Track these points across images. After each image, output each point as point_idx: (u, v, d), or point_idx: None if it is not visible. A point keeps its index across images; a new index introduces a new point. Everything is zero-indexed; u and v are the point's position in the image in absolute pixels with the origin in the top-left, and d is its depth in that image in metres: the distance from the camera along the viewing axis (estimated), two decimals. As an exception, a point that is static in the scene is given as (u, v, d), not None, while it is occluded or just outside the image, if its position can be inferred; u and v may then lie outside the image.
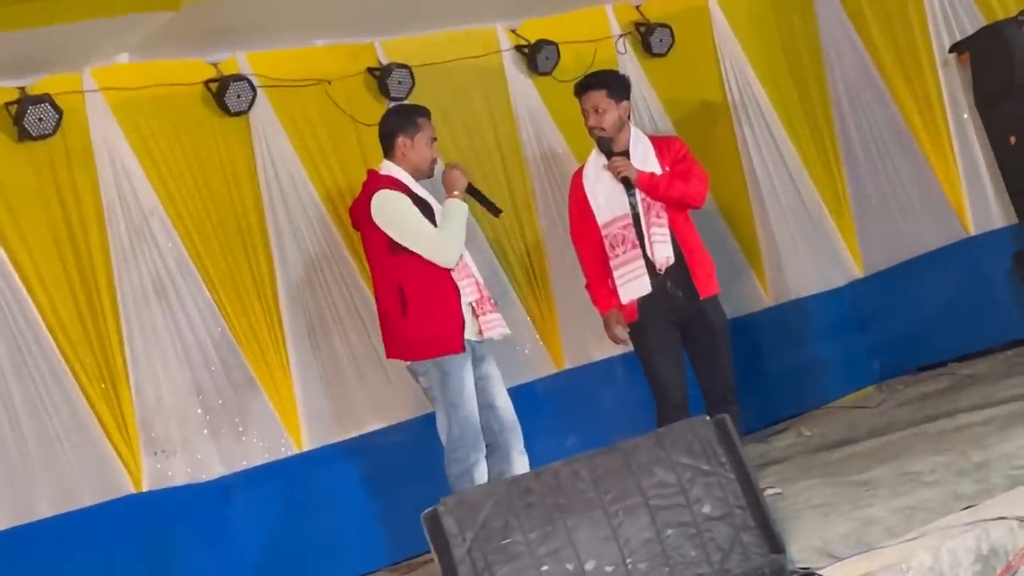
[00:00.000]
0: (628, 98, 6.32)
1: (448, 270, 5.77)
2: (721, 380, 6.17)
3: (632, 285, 6.12)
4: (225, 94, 6.83)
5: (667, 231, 6.10)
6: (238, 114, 6.90)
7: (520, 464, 5.89)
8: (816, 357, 8.55)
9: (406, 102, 6.57)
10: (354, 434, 7.00)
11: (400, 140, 5.91)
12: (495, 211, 6.14)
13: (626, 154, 6.22)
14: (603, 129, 6.19)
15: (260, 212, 6.98)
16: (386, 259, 5.83)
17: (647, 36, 8.37)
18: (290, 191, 7.05)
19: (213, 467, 6.59)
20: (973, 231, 8.29)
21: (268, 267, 6.95)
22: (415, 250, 5.74)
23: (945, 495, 4.74)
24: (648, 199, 6.11)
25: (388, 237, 5.78)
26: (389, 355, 6.01)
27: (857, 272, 9.02)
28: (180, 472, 6.51)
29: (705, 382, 6.22)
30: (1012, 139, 7.44)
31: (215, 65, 6.92)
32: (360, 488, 6.95)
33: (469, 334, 5.80)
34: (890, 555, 3.98)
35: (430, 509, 4.14)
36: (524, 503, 4.09)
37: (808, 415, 8.33)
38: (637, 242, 6.09)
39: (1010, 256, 7.54)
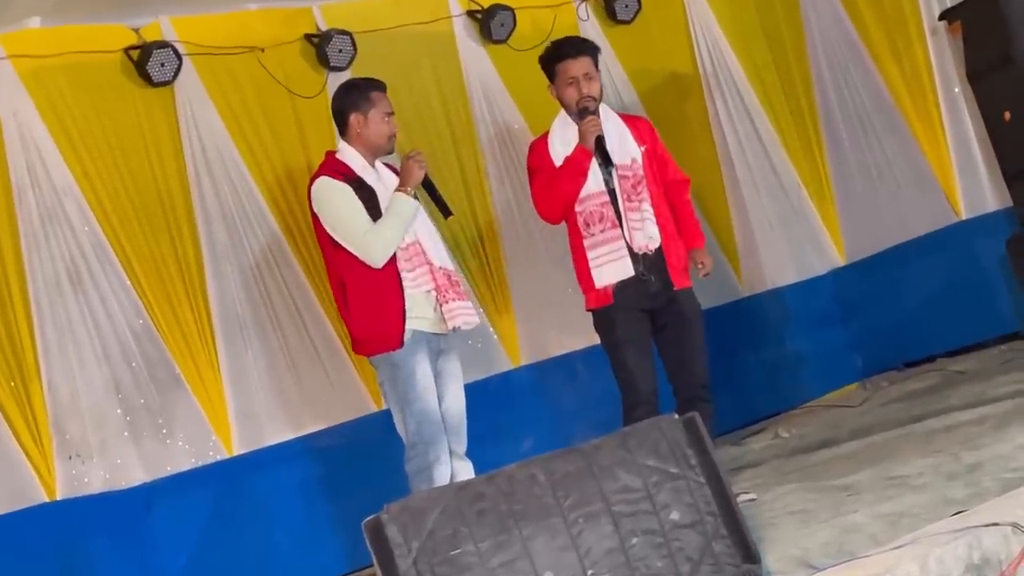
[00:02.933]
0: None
1: (392, 261, 5.77)
2: (694, 375, 6.14)
3: (610, 268, 6.07)
4: (147, 62, 6.79)
5: (651, 210, 6.11)
6: (161, 84, 6.87)
7: (461, 471, 5.89)
8: (794, 352, 8.60)
9: (358, 76, 6.53)
10: (290, 437, 6.98)
11: (353, 118, 5.93)
12: (446, 212, 6.12)
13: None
14: (594, 98, 6.19)
15: (186, 192, 6.95)
16: (330, 251, 5.90)
17: (611, 1, 8.37)
18: (219, 169, 7.02)
19: (134, 473, 6.55)
20: (964, 215, 8.35)
21: (195, 253, 6.91)
22: (343, 244, 5.79)
23: (934, 500, 4.76)
24: (629, 175, 6.11)
25: None
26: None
27: (839, 260, 9.07)
28: (97, 478, 6.46)
29: (676, 377, 6.18)
30: (1007, 115, 7.47)
31: (136, 31, 6.90)
32: (296, 496, 6.93)
33: (424, 326, 5.80)
34: (874, 564, 3.99)
35: (372, 517, 4.11)
36: (475, 510, 4.07)
37: (786, 415, 8.37)
38: (617, 221, 6.08)
39: (1004, 242, 7.57)
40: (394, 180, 5.95)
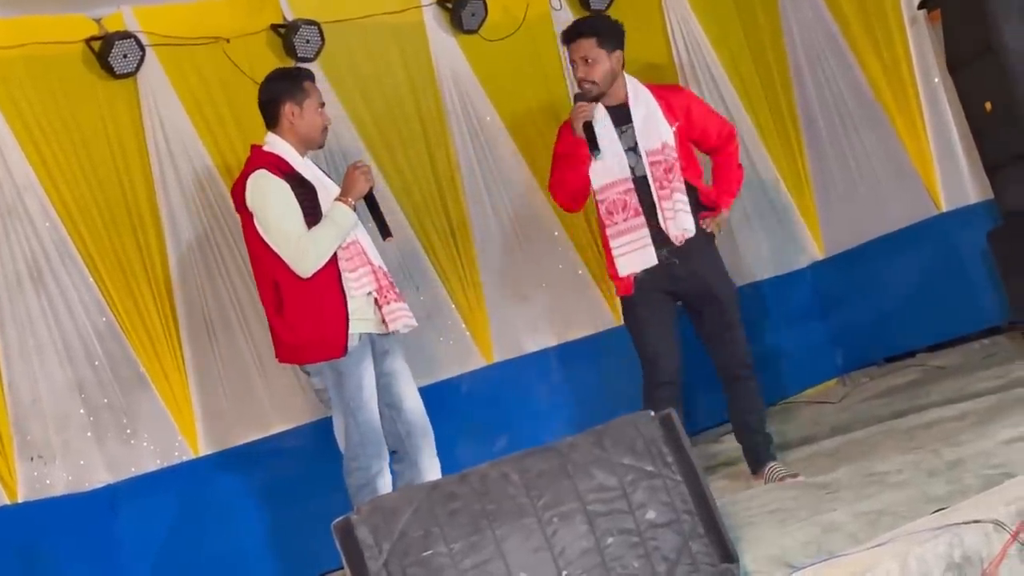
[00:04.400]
0: (622, 47, 6.27)
1: (334, 261, 5.68)
2: (734, 355, 6.25)
3: (634, 256, 6.14)
4: (109, 54, 6.78)
5: (685, 199, 6.13)
6: (124, 76, 6.86)
7: (431, 471, 5.86)
8: (773, 347, 8.60)
9: (288, 66, 6.48)
10: (257, 437, 6.97)
11: (287, 108, 5.82)
12: (385, 232, 5.95)
13: (624, 108, 6.21)
14: (594, 82, 6.17)
15: (150, 187, 6.94)
16: (262, 250, 5.74)
17: (585, -11, 8.37)
18: (184, 163, 7.00)
19: (97, 474, 6.54)
20: (945, 207, 8.35)
21: (159, 249, 6.90)
22: (274, 248, 5.66)
23: (914, 497, 4.77)
24: (660, 160, 6.12)
25: None
26: (277, 357, 5.93)
27: (818, 253, 9.09)
28: (60, 480, 6.44)
29: (717, 358, 6.29)
30: (988, 106, 7.47)
31: (98, 21, 6.87)
32: (263, 497, 6.91)
33: (368, 327, 5.74)
34: (853, 564, 4.00)
35: (342, 518, 4.10)
36: (447, 510, 4.06)
37: (765, 411, 8.38)
38: (640, 209, 6.11)
39: (985, 235, 7.59)
40: (325, 178, 5.89)
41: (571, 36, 6.27)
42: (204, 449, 6.83)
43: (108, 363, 6.66)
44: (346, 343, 5.64)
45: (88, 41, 6.82)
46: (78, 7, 6.79)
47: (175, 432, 6.78)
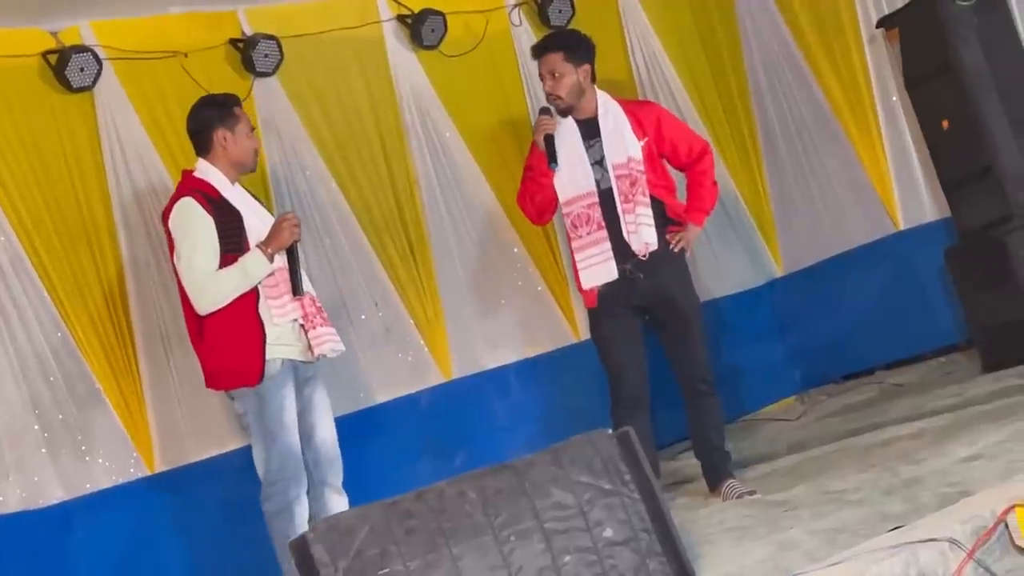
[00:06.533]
0: (591, 61, 6.34)
1: (254, 290, 5.64)
2: (694, 369, 6.29)
3: (596, 270, 6.21)
4: (66, 67, 6.74)
5: (651, 212, 6.16)
6: (81, 90, 6.82)
7: (336, 504, 5.80)
8: (731, 365, 8.62)
9: (215, 93, 6.46)
10: (214, 453, 6.93)
11: (219, 134, 5.80)
12: (295, 290, 5.78)
13: (593, 122, 6.26)
14: (559, 97, 6.24)
15: (106, 202, 6.90)
16: None
17: (544, 6, 8.38)
18: (141, 178, 6.96)
19: (52, 491, 6.49)
20: (903, 225, 8.41)
21: (116, 264, 6.86)
22: (179, 276, 5.66)
23: (871, 515, 4.80)
24: (625, 174, 6.15)
25: None
26: (205, 384, 5.90)
27: (776, 271, 9.13)
28: (14, 497, 6.38)
29: (679, 372, 6.34)
30: (945, 124, 7.55)
31: (54, 34, 6.83)
32: (221, 515, 6.86)
33: (291, 354, 5.71)
34: (810, 582, 4.03)
35: (298, 536, 4.11)
36: (404, 528, 4.07)
37: (724, 428, 8.40)
38: (603, 223, 6.15)
39: (943, 252, 7.65)
40: (257, 205, 5.88)
41: (539, 51, 6.36)
42: (160, 466, 6.79)
43: (63, 379, 6.61)
44: (262, 371, 5.61)
45: (45, 55, 6.78)
46: (35, 20, 6.75)
47: (131, 449, 6.74)
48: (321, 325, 5.79)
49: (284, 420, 5.65)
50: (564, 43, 6.34)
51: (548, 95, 6.28)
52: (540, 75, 6.34)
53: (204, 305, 5.63)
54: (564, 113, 6.27)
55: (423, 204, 7.90)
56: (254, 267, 5.63)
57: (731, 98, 9.13)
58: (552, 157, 6.15)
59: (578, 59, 6.27)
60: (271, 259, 5.66)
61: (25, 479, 6.42)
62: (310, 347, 5.75)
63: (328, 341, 5.79)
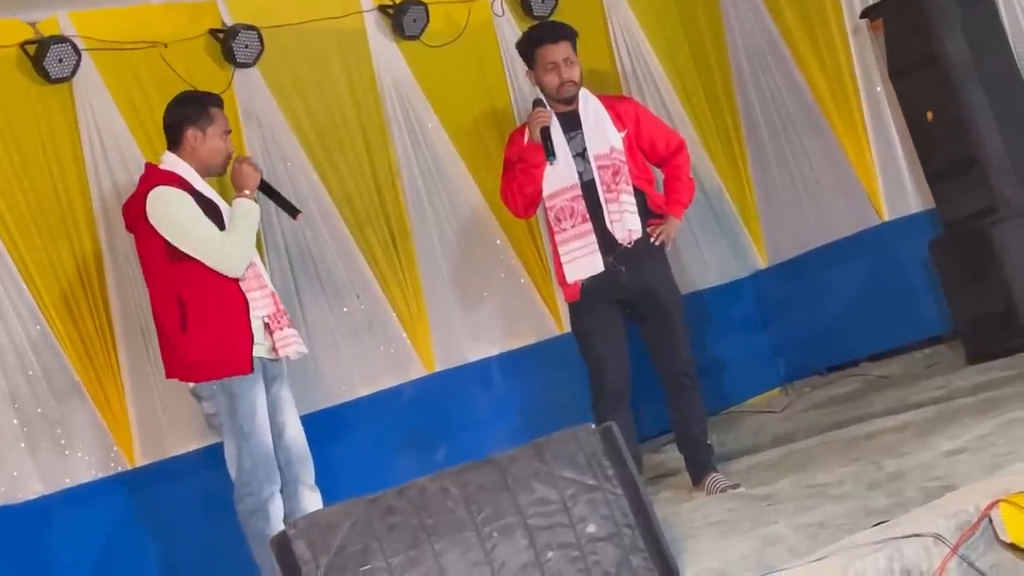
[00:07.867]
0: None
1: (236, 280, 5.64)
2: (676, 363, 6.29)
3: (581, 263, 6.19)
4: (44, 58, 6.72)
5: (632, 200, 6.17)
6: (59, 81, 6.80)
7: (310, 502, 5.79)
8: (715, 357, 8.64)
9: (194, 89, 6.43)
10: (195, 447, 6.91)
11: (190, 132, 5.76)
12: (293, 212, 5.98)
13: (574, 115, 6.26)
14: (576, 83, 6.26)
15: (86, 194, 6.88)
16: (164, 266, 5.64)
17: (527, -4, 8.37)
18: (120, 170, 6.94)
19: (31, 485, 6.48)
20: (887, 216, 8.42)
21: (95, 257, 6.84)
22: (197, 257, 5.58)
23: (855, 510, 4.79)
24: (608, 164, 6.16)
25: (166, 241, 5.59)
26: (167, 374, 5.83)
27: (760, 262, 9.14)
28: (-8, 492, 6.38)
29: (660, 365, 6.34)
30: (929, 115, 7.56)
31: (33, 25, 6.81)
32: (201, 509, 6.85)
33: (260, 352, 5.68)
34: (794, 577, 4.03)
35: (279, 532, 4.09)
36: (386, 524, 4.05)
37: (708, 421, 8.40)
38: (587, 215, 6.15)
39: (927, 244, 7.65)
40: (227, 205, 5.82)
41: (555, 37, 6.31)
42: (140, 459, 6.78)
43: (42, 372, 6.59)
44: (251, 359, 5.60)
45: (23, 45, 6.76)
46: (12, 11, 6.72)
47: (111, 442, 6.73)
48: (287, 326, 5.80)
49: (256, 419, 5.62)
50: (572, 33, 6.37)
51: (565, 83, 6.22)
52: (552, 62, 6.25)
53: (239, 264, 5.62)
54: (570, 102, 6.26)
55: (405, 195, 7.88)
56: (249, 212, 5.69)
57: (715, 89, 9.13)
58: (550, 150, 6.14)
59: (576, 49, 6.33)
60: (256, 201, 5.73)
61: (3, 473, 6.41)
62: (274, 347, 5.73)
63: (294, 343, 5.78)
